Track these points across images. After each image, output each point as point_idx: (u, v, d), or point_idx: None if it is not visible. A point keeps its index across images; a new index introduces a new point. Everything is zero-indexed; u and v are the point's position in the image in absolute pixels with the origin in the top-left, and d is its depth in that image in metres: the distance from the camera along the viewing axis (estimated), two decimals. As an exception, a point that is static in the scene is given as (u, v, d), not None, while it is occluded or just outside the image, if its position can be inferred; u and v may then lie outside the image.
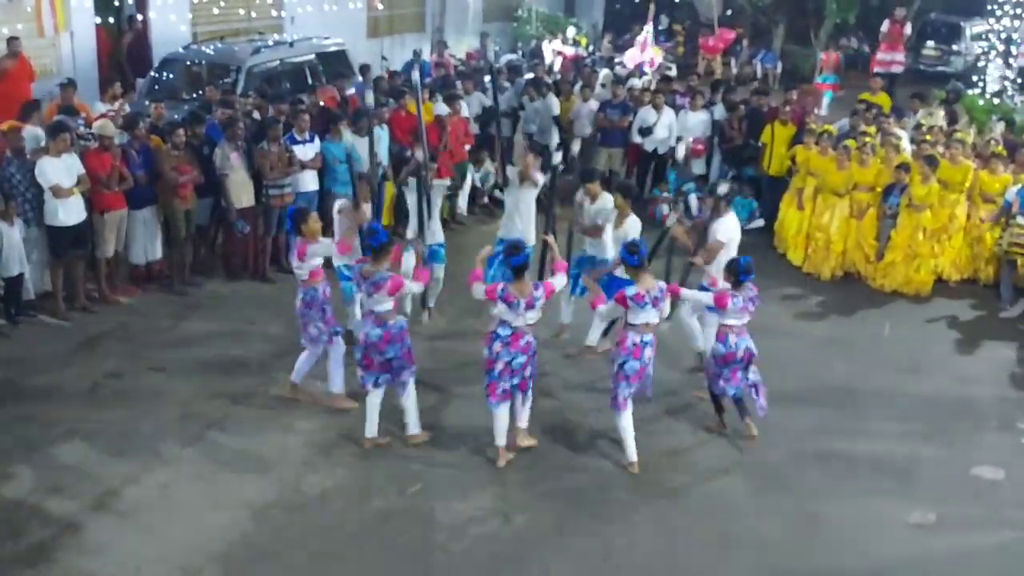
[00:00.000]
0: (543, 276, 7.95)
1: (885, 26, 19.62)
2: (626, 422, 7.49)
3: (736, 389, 7.88)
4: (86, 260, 9.81)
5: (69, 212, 9.32)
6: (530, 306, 7.13)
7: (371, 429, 7.57)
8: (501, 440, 7.46)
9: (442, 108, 12.63)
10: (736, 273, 7.69)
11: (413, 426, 7.71)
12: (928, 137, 12.21)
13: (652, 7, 19.45)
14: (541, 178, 9.39)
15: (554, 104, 13.94)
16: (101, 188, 9.59)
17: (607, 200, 9.03)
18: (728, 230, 8.66)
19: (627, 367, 7.35)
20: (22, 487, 6.97)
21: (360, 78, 14.48)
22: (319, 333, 7.98)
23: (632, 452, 7.50)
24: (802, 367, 9.46)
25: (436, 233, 9.40)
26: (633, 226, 8.77)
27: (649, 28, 19.57)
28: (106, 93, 12.21)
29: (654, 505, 7.18)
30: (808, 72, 21.98)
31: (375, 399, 7.56)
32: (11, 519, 6.62)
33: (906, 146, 12.19)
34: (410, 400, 7.65)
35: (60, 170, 9.19)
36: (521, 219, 9.30)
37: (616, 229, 8.86)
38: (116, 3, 15.00)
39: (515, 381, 7.31)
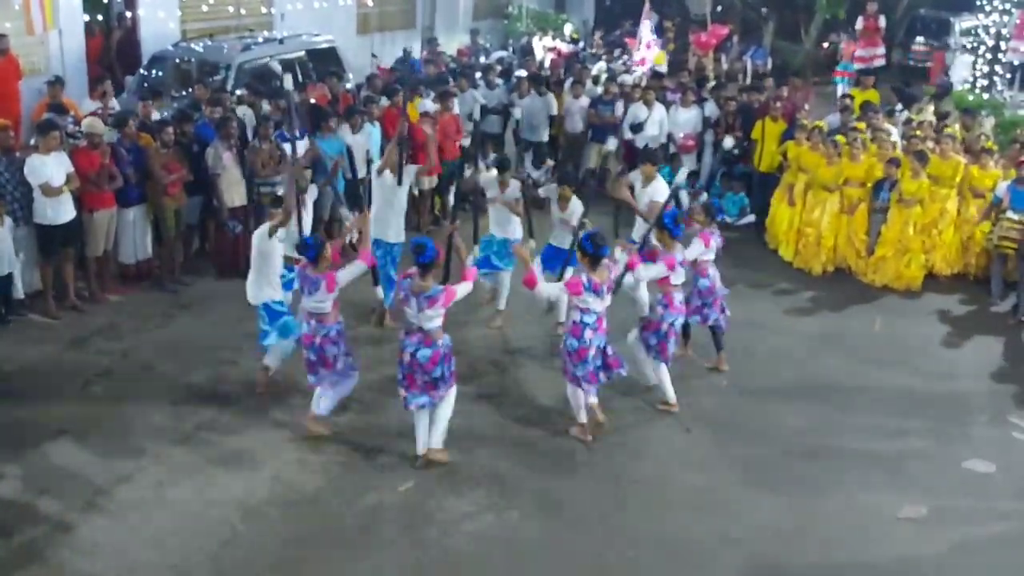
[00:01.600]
0: (448, 279, 7.55)
1: (859, 23, 19.66)
2: (574, 395, 7.74)
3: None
4: (76, 259, 9.77)
5: (58, 211, 9.28)
6: (609, 290, 7.42)
7: (421, 446, 7.35)
8: (584, 416, 7.77)
9: (429, 106, 12.60)
10: (666, 227, 7.96)
11: (437, 440, 7.37)
12: (918, 132, 12.23)
13: (647, 4, 19.44)
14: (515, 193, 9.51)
15: (552, 102, 13.95)
16: (90, 186, 9.55)
17: (576, 205, 9.11)
18: (660, 191, 9.37)
19: (567, 344, 7.51)
20: (13, 487, 6.95)
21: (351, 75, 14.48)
22: (346, 367, 7.64)
23: (582, 416, 7.78)
24: (793, 362, 9.48)
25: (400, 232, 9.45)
26: (577, 208, 9.02)
27: (649, 25, 19.55)
28: (95, 91, 12.17)
29: (645, 501, 7.19)
30: (798, 67, 22.01)
31: (424, 419, 7.32)
32: (2, 519, 6.59)
33: (896, 141, 12.22)
34: (444, 412, 7.37)
35: (50, 168, 9.15)
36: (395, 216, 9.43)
37: (562, 212, 9.22)
38: (105, 0, 14.92)
39: (599, 362, 7.58)
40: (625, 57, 19.76)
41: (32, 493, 6.88)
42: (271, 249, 8.02)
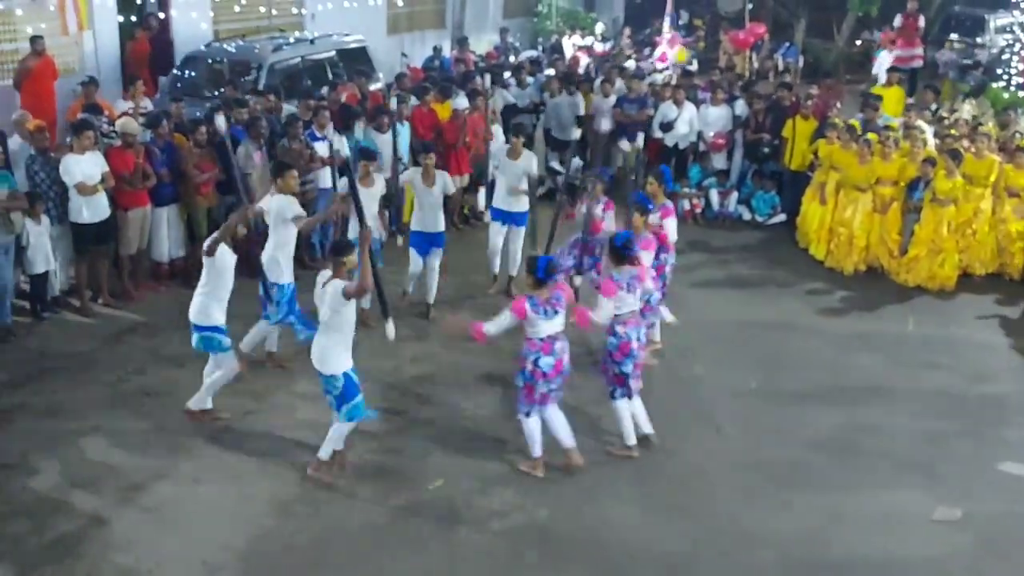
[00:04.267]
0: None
1: (898, 20, 19.47)
2: (535, 424, 7.30)
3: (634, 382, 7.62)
4: (110, 257, 9.89)
5: (93, 209, 9.40)
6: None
7: (536, 450, 7.31)
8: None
9: (460, 103, 12.62)
10: (618, 252, 7.43)
11: (568, 439, 7.37)
12: (953, 131, 12.10)
13: (670, 1, 19.42)
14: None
15: (580, 101, 13.94)
16: (124, 185, 9.66)
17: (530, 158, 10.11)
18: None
19: (542, 363, 7.05)
20: (48, 481, 7.04)
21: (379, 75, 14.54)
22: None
23: (537, 450, 7.32)
24: (824, 363, 9.41)
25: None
26: (529, 159, 9.98)
27: (667, 22, 19.51)
28: (128, 91, 12.29)
29: (676, 501, 7.17)
30: (830, 66, 21.86)
31: (537, 423, 7.27)
32: (37, 513, 6.68)
33: (930, 140, 12.09)
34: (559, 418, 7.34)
35: (85, 168, 9.26)
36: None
37: (515, 161, 10.03)
38: (138, 1, 15.07)
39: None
40: (646, 52, 19.71)
41: (66, 488, 6.97)
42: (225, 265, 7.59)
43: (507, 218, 10.37)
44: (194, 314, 7.58)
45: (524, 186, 10.16)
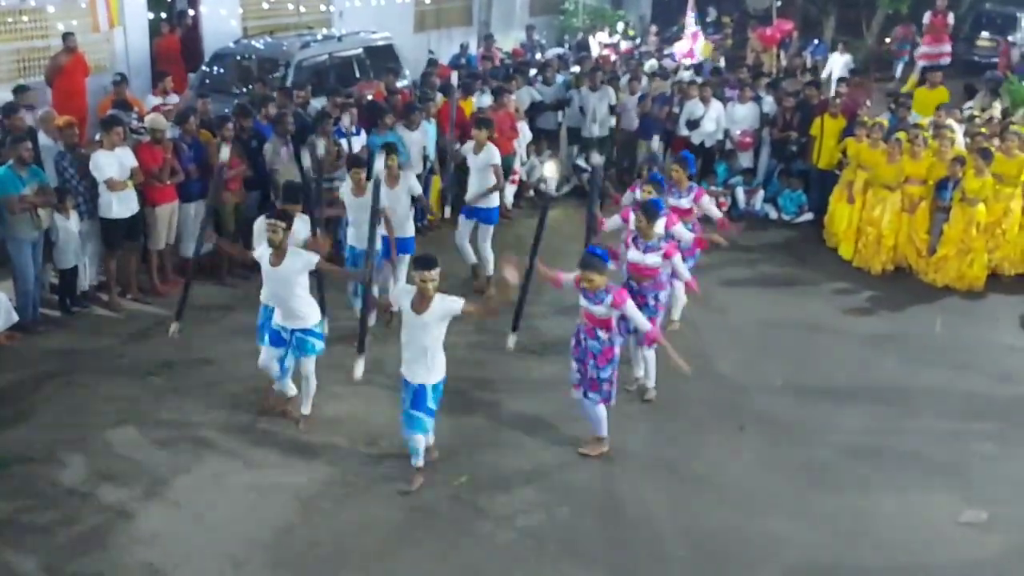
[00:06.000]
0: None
1: (927, 18, 19.29)
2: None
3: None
4: (139, 253, 9.98)
5: (123, 205, 9.48)
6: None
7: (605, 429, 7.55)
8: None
9: (484, 100, 12.61)
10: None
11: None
12: (983, 130, 11.98)
13: None
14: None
15: (612, 94, 13.88)
16: (153, 181, 9.74)
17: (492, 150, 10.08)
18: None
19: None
20: (75, 475, 7.11)
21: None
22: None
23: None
24: (852, 363, 9.35)
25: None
26: (490, 152, 10.03)
27: (691, 18, 19.43)
28: (157, 87, 12.40)
29: (700, 499, 7.15)
30: (859, 64, 21.68)
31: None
32: (64, 506, 6.76)
33: (960, 139, 11.97)
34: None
35: (114, 164, 9.35)
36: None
37: (476, 156, 10.10)
38: (168, -1, 15.24)
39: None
40: (670, 49, 19.65)
41: (94, 481, 7.04)
42: None
43: (473, 214, 10.33)
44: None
45: (491, 181, 10.13)
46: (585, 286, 7.06)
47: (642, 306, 7.62)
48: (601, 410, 7.44)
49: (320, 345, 7.64)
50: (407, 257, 9.33)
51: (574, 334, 7.43)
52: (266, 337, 7.62)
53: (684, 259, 8.47)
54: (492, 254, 10.34)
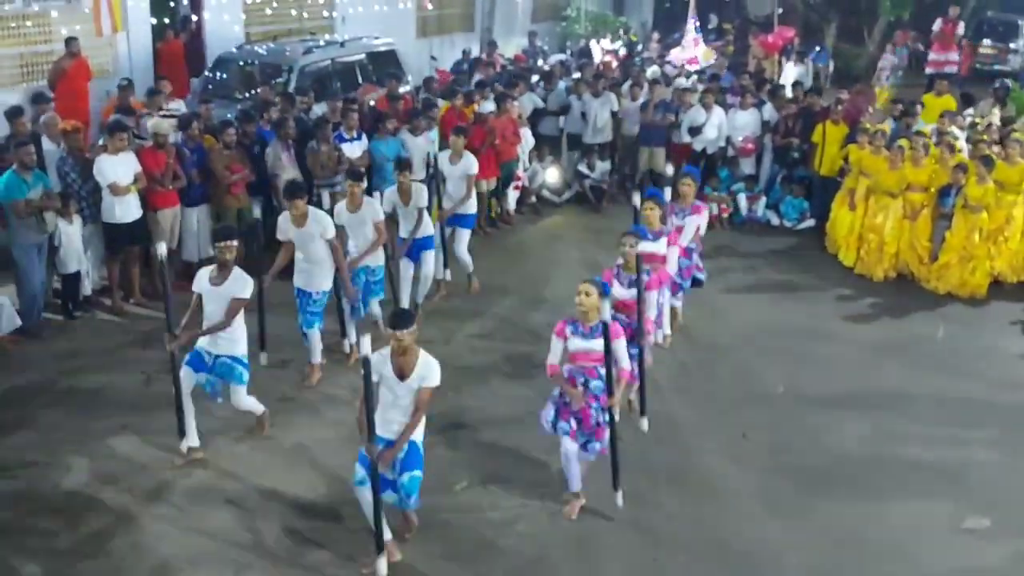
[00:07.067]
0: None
1: (937, 25, 19.30)
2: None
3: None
4: (141, 257, 9.99)
5: (125, 209, 9.51)
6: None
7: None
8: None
9: (487, 107, 12.64)
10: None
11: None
12: (985, 137, 11.99)
13: (692, 3, 19.41)
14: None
15: (613, 100, 13.91)
16: (156, 186, 9.76)
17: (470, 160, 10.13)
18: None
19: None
20: (79, 478, 7.12)
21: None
22: None
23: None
24: (853, 370, 9.35)
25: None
26: (468, 162, 10.05)
27: (691, 25, 19.49)
28: (158, 96, 12.40)
29: (701, 506, 7.15)
30: (860, 71, 21.72)
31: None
32: (67, 510, 6.76)
33: (963, 146, 11.98)
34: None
35: (118, 168, 9.37)
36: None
37: (453, 165, 10.13)
38: (171, 4, 15.24)
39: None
40: (671, 56, 19.69)
41: (97, 485, 7.04)
42: None
43: (451, 221, 10.32)
44: None
45: (463, 191, 10.14)
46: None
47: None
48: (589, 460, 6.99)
49: (247, 375, 7.35)
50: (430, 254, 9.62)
51: (557, 395, 6.83)
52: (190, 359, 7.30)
53: (682, 278, 8.86)
54: (469, 257, 10.41)
